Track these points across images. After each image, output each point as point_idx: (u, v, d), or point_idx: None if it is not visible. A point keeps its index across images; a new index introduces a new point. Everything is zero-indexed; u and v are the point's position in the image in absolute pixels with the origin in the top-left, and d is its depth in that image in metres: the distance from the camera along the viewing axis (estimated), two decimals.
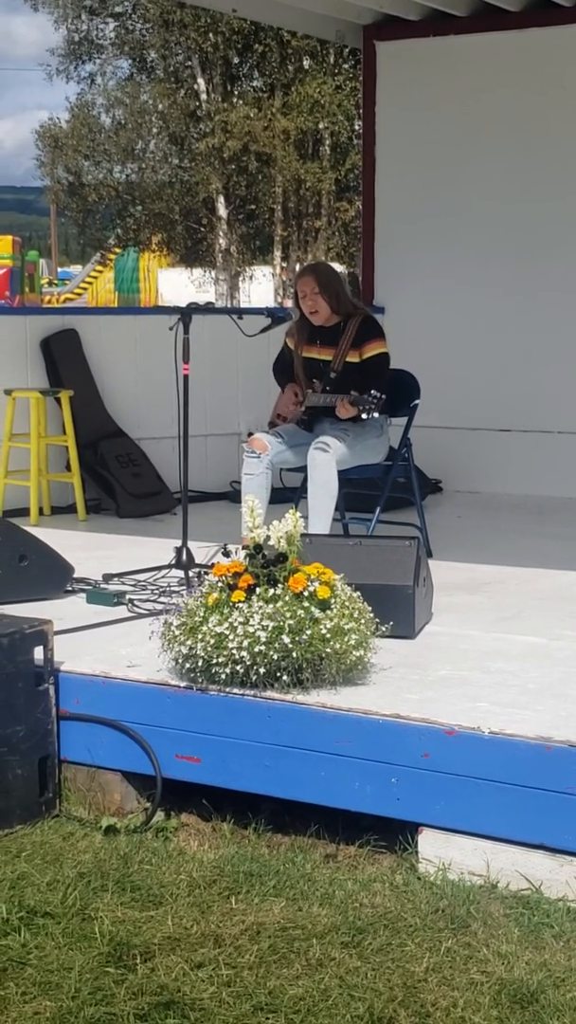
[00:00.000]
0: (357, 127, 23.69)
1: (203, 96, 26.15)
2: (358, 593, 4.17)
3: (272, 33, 24.12)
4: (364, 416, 5.70)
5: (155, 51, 26.96)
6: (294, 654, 3.91)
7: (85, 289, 35.10)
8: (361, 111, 9.42)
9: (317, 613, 3.98)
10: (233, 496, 7.37)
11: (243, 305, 26.77)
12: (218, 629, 3.96)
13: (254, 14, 9.37)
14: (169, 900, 3.51)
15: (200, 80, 26.12)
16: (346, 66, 24.76)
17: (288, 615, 3.93)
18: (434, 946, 3.26)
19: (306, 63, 25.75)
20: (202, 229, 27.73)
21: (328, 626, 3.96)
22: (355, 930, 3.33)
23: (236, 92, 26.77)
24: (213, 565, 4.29)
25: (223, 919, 3.41)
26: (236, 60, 26.35)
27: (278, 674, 3.92)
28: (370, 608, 4.14)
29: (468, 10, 8.27)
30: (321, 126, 25.56)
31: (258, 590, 4.03)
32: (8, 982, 3.10)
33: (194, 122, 26.71)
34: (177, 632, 4.06)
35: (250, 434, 6.10)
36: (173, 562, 5.52)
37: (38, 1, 26.86)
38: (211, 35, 25.01)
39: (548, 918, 3.42)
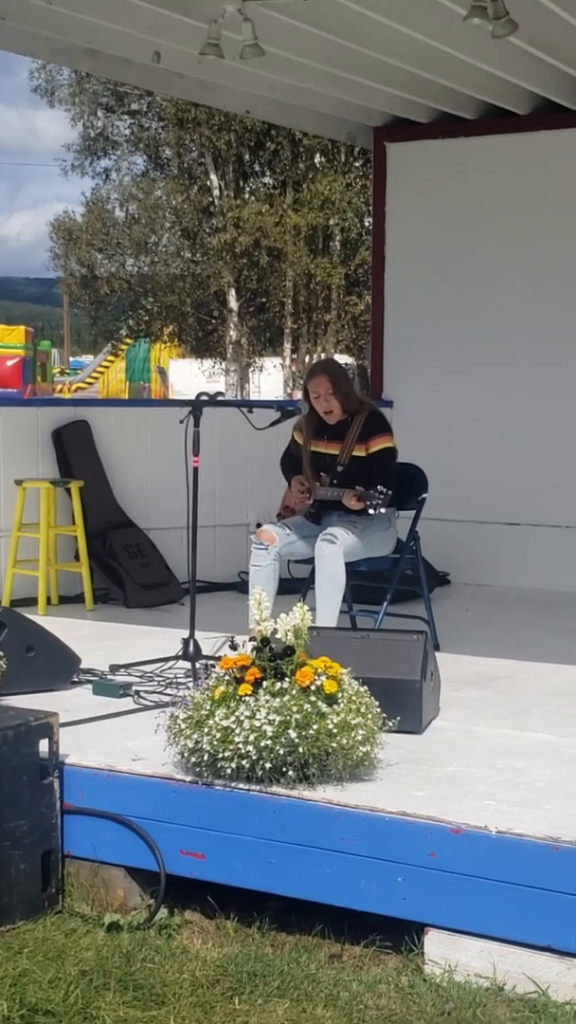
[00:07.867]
0: (367, 224, 24.02)
1: (216, 192, 26.57)
2: (365, 687, 4.15)
3: (284, 132, 24.54)
4: (371, 512, 5.73)
5: (169, 148, 27.42)
6: (300, 749, 3.89)
7: (96, 379, 35.40)
8: (371, 208, 9.57)
9: (324, 708, 3.96)
10: (241, 587, 7.38)
11: (253, 395, 27.00)
12: (224, 723, 3.94)
13: (267, 115, 9.53)
14: (172, 1000, 3.46)
15: (213, 176, 26.56)
16: (356, 164, 25.13)
17: (295, 709, 3.92)
18: None
19: (317, 161, 26.18)
20: (213, 321, 28.01)
21: (335, 721, 3.95)
22: None
23: (248, 189, 27.20)
24: (220, 657, 4.28)
25: (226, 1020, 3.35)
26: (248, 157, 26.79)
27: (284, 769, 3.90)
28: (377, 703, 4.13)
29: (477, 113, 8.44)
30: (331, 222, 25.91)
31: (265, 683, 4.02)
32: None
33: (207, 217, 27.10)
34: (183, 726, 4.05)
35: (258, 525, 6.12)
36: (180, 653, 5.52)
37: (55, 98, 27.43)
38: (224, 133, 25.47)
39: (555, 1022, 3.36)
